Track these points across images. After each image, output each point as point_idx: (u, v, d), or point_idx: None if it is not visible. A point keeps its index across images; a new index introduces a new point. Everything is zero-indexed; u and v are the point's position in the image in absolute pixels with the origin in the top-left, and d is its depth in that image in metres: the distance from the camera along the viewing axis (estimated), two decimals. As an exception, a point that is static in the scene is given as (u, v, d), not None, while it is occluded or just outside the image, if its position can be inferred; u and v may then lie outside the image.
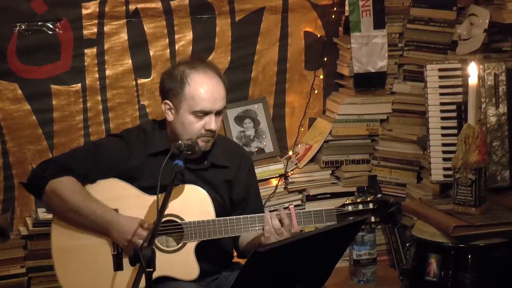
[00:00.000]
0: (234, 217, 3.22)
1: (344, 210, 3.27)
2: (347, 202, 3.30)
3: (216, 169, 3.31)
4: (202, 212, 3.21)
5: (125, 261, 3.18)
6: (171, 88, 3.21)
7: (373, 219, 3.29)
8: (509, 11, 4.18)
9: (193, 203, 3.22)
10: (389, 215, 3.30)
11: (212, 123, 3.19)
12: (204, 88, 3.18)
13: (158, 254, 3.12)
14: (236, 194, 3.36)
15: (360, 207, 3.29)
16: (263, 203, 4.31)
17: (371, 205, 3.29)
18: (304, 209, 4.03)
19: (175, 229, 3.20)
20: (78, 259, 3.19)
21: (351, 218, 3.26)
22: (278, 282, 2.77)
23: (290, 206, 3.27)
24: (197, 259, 3.19)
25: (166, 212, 3.13)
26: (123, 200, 3.20)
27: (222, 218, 3.21)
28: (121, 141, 3.28)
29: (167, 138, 3.27)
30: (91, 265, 3.19)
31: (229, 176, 3.34)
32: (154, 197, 3.17)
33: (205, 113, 3.18)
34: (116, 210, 3.18)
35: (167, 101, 3.23)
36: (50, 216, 3.38)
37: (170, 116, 3.23)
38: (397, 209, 3.37)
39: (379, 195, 3.36)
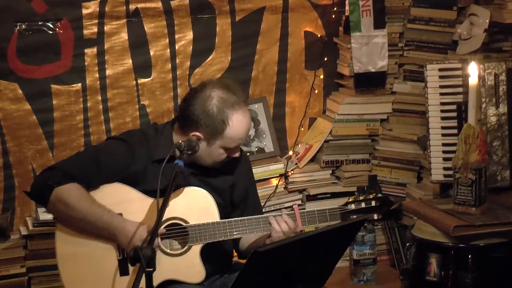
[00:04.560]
0: (238, 218, 3.21)
1: (348, 209, 3.28)
2: (349, 201, 3.31)
3: (220, 174, 3.30)
4: (206, 214, 3.20)
5: (131, 266, 3.17)
6: (207, 125, 3.16)
7: (375, 217, 3.30)
8: (509, 10, 4.17)
9: (196, 205, 3.21)
10: (391, 212, 3.31)
11: (237, 152, 3.27)
12: (244, 129, 3.22)
13: (164, 257, 3.13)
14: (236, 195, 3.36)
15: (363, 205, 3.30)
16: (263, 203, 4.34)
17: (373, 203, 3.30)
18: (305, 209, 4.02)
19: (180, 232, 3.18)
20: (84, 265, 3.17)
21: (353, 216, 3.26)
22: (278, 282, 2.77)
23: (294, 206, 3.27)
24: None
25: (170, 215, 3.14)
26: (127, 205, 3.18)
27: (226, 220, 3.20)
28: (123, 144, 3.25)
29: (172, 146, 3.22)
30: (97, 271, 3.17)
31: (233, 179, 3.34)
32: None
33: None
34: (120, 214, 3.16)
35: (197, 133, 3.19)
36: (50, 216, 3.36)
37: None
38: (399, 207, 3.40)
39: (379, 195, 3.36)
